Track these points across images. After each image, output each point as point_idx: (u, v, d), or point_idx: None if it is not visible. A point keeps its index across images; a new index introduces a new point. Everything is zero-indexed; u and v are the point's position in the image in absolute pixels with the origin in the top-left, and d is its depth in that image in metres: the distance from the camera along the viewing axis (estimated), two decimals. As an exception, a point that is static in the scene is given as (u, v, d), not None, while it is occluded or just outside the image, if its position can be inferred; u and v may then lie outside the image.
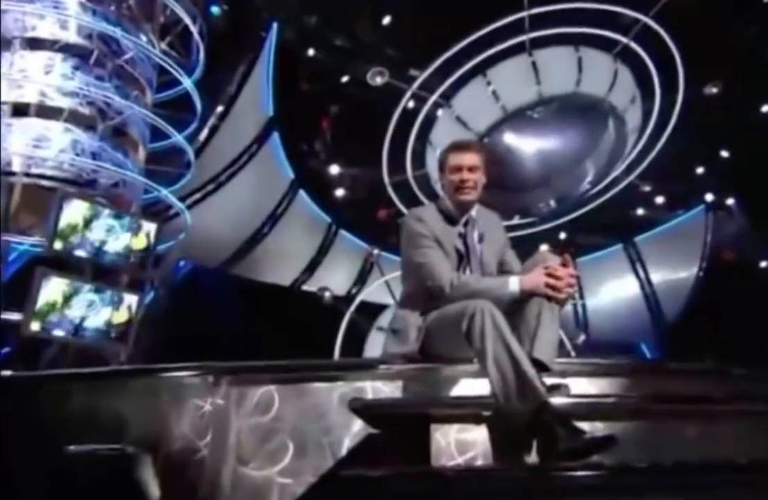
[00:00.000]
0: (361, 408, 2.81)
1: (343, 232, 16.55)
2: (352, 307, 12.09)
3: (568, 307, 19.03)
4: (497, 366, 2.73)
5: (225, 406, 3.09)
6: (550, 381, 3.08)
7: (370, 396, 3.05)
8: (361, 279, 16.51)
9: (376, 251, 12.70)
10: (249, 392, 3.11)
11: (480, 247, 3.34)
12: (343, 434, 2.98)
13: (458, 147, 3.29)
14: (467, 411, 2.81)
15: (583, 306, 18.70)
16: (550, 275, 3.07)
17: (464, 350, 2.94)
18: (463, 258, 3.21)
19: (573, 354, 14.79)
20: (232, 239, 14.01)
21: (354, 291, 16.91)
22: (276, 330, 13.10)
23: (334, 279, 15.92)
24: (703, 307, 16.37)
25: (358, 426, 2.96)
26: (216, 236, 13.16)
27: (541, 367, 2.98)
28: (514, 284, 3.04)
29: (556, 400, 2.83)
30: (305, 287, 16.08)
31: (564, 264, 3.14)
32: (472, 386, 2.98)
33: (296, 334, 12.75)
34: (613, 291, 18.39)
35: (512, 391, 2.67)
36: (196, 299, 11.97)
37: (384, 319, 11.87)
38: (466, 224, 3.35)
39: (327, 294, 11.54)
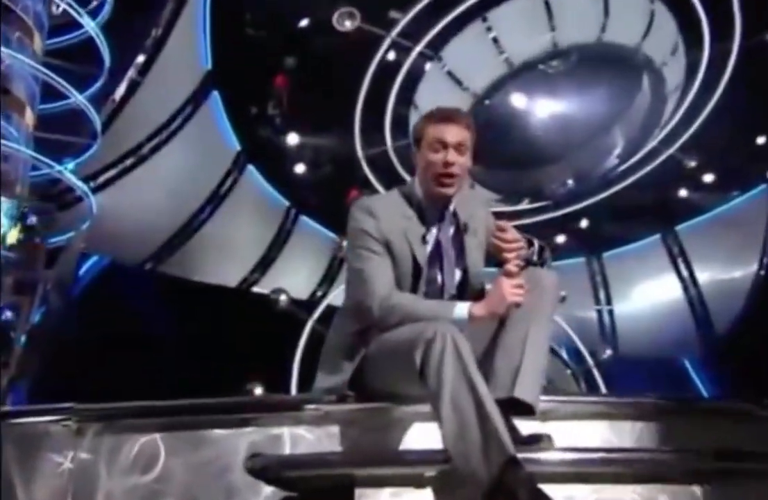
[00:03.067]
0: (259, 469, 2.64)
1: (304, 219, 16.45)
2: (316, 315, 11.95)
3: (592, 314, 19.30)
4: (455, 411, 2.58)
5: (92, 462, 2.93)
6: (529, 427, 2.93)
7: (287, 446, 2.89)
8: (328, 280, 16.40)
9: (345, 244, 12.58)
10: (125, 443, 2.95)
11: (465, 241, 3.17)
12: (250, 497, 2.84)
13: (442, 116, 3.12)
14: (407, 470, 2.66)
15: (610, 312, 18.76)
16: (498, 238, 3.07)
17: (413, 386, 2.79)
18: (420, 273, 3.00)
19: (596, 372, 14.78)
20: (160, 228, 13.86)
21: (319, 294, 16.80)
22: (219, 344, 12.98)
23: (293, 279, 15.78)
24: (763, 315, 16.47)
25: (270, 488, 2.81)
26: (139, 225, 13.00)
27: (525, 410, 2.86)
28: (461, 310, 2.92)
29: (533, 457, 2.67)
30: (257, 289, 15.94)
31: (501, 229, 3.09)
32: (418, 435, 2.82)
33: (245, 348, 12.60)
34: (648, 293, 18.42)
35: (472, 445, 2.51)
36: (114, 306, 11.81)
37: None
38: (440, 220, 3.18)
39: (283, 298, 11.37)
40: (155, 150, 13.06)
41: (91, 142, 10.11)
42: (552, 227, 17.14)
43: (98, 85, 9.86)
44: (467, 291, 3.15)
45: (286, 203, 16.11)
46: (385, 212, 3.04)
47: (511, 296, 2.92)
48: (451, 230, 3.16)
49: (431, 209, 3.13)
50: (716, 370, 16.97)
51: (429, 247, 3.11)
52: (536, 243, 3.12)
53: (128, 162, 12.68)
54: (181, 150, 13.64)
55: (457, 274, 3.16)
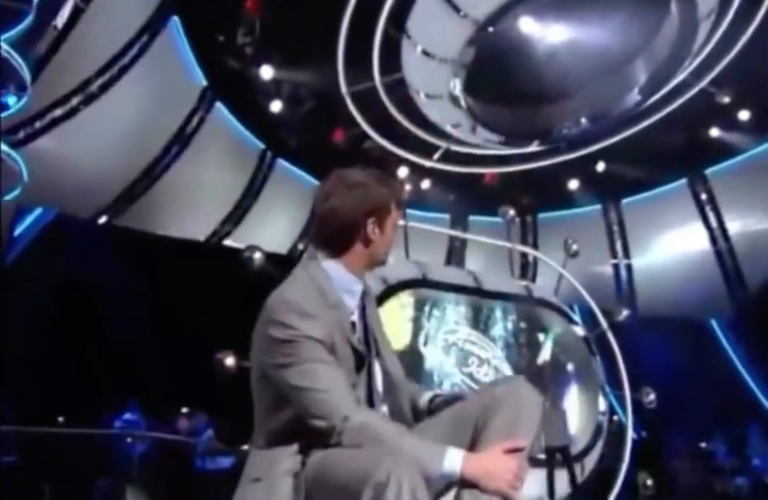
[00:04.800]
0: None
1: (282, 163, 16.31)
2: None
3: (607, 269, 19.35)
4: None
5: None
6: None
7: None
8: (308, 234, 16.39)
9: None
10: None
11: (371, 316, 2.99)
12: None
13: (404, 194, 3.00)
14: None
15: (629, 267, 18.81)
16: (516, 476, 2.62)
17: None
18: (363, 365, 2.84)
19: (611, 335, 14.85)
20: (116, 176, 13.72)
21: (300, 247, 16.79)
22: (186, 306, 13.03)
23: (270, 231, 15.74)
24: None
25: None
26: (90, 172, 12.86)
27: None
28: (453, 461, 2.62)
29: None
30: (229, 243, 15.91)
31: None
32: None
33: (215, 311, 12.66)
34: (671, 246, 18.42)
35: None
36: (63, 267, 11.79)
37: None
38: (362, 298, 2.94)
39: (258, 256, 11.31)
40: (106, 87, 12.81)
41: (20, 94, 9.86)
42: (564, 171, 17.04)
43: (24, 24, 9.55)
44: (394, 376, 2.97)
45: (261, 145, 15.95)
46: (315, 307, 2.80)
47: (516, 481, 2.60)
48: (364, 308, 2.99)
49: (348, 288, 2.92)
50: (747, 333, 17.07)
51: (358, 333, 2.91)
52: None
53: (75, 101, 12.44)
54: (137, 86, 13.38)
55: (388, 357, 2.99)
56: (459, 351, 13.22)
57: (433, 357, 12.71)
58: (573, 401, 13.96)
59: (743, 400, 16.95)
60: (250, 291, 11.82)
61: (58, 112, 12.19)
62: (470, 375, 13.34)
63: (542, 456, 10.41)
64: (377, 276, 12.47)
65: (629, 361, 15.38)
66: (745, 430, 15.77)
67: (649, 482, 13.57)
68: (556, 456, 12.55)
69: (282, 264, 13.11)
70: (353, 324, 2.90)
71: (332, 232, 2.86)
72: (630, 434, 14.17)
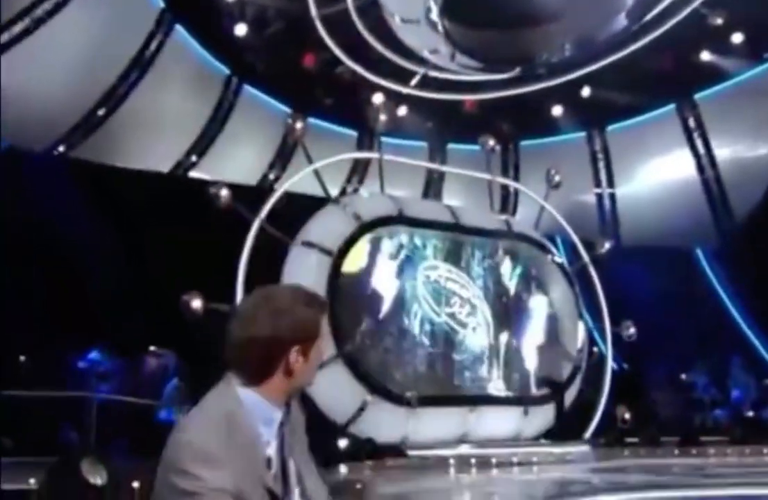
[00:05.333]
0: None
1: (248, 89, 15.96)
2: (266, 210, 11.74)
3: (590, 199, 19.37)
4: None
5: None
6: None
7: None
8: (280, 161, 16.16)
9: (299, 125, 12.19)
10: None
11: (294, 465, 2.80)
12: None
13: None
14: None
15: (612, 196, 18.84)
16: None
17: None
18: None
19: (592, 269, 15.05)
20: (71, 106, 13.35)
21: (271, 177, 16.61)
22: (149, 244, 12.96)
23: (238, 161, 15.52)
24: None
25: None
26: (41, 102, 12.50)
27: None
28: None
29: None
30: (194, 174, 15.72)
31: None
32: None
33: (180, 249, 12.61)
34: (657, 174, 18.47)
35: None
36: (15, 201, 11.58)
37: (315, 228, 11.71)
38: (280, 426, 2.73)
39: (225, 193, 11.13)
40: (53, 11, 12.32)
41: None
42: (548, 97, 16.84)
43: None
44: None
45: (226, 71, 15.55)
46: (224, 449, 2.52)
47: None
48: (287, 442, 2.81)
49: (264, 417, 2.63)
50: (733, 263, 17.31)
51: (273, 470, 2.75)
52: None
53: (20, 26, 11.97)
54: (87, 9, 12.88)
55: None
56: (441, 289, 13.45)
57: (414, 296, 12.93)
58: (547, 335, 14.41)
59: (727, 331, 17.33)
60: (218, 225, 11.75)
61: (3, 38, 11.75)
62: (452, 316, 13.61)
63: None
64: (350, 213, 12.55)
65: (613, 292, 15.65)
66: (726, 361, 16.18)
67: (627, 416, 14.03)
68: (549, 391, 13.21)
69: (252, 197, 13.05)
70: (269, 460, 2.65)
71: (251, 361, 2.58)
72: (609, 365, 14.67)
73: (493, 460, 10.42)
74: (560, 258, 14.51)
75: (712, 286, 18.10)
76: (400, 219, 12.48)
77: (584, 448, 11.84)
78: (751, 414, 14.73)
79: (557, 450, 11.56)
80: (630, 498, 5.99)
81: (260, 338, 2.52)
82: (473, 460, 10.44)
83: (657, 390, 15.70)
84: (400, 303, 12.31)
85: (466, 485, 8.61)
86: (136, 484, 5.75)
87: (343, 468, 8.85)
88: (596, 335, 15.38)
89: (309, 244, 11.62)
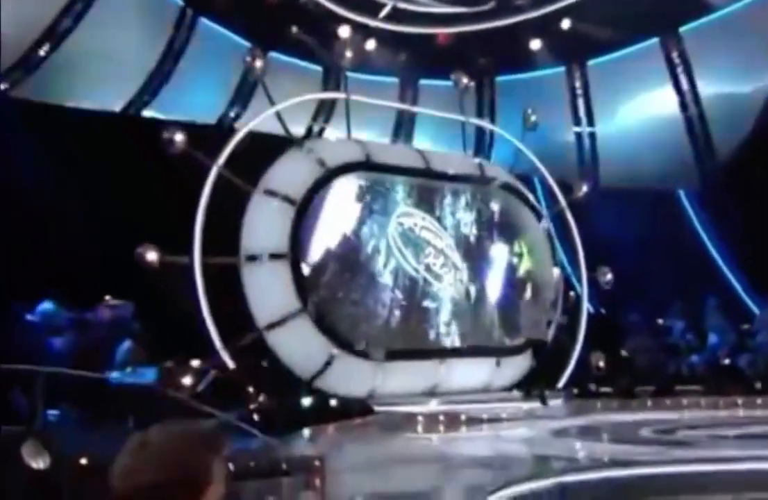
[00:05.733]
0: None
1: (205, 22, 15.47)
2: (224, 155, 11.44)
3: (569, 138, 19.14)
4: None
5: None
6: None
7: None
8: (240, 99, 15.75)
9: (259, 64, 11.78)
10: None
11: None
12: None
13: None
14: None
15: (592, 135, 18.65)
16: None
17: None
18: None
19: (569, 214, 15.02)
20: (10, 42, 12.82)
21: (231, 115, 16.21)
22: (104, 186, 12.68)
23: (195, 99, 15.09)
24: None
25: None
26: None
27: None
28: None
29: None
30: (148, 113, 15.29)
31: None
32: None
33: (133, 196, 12.32)
34: (638, 112, 18.34)
35: None
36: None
37: (276, 175, 11.45)
38: None
39: (180, 138, 10.82)
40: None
41: None
42: (526, 30, 16.49)
43: None
44: None
45: (180, 2, 15.02)
46: None
47: None
48: None
49: None
50: (716, 205, 17.32)
51: None
52: None
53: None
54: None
55: None
56: (416, 238, 13.31)
57: (386, 246, 12.78)
58: (522, 284, 14.40)
59: (708, 275, 17.44)
60: (175, 170, 11.42)
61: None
62: (426, 267, 13.50)
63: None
64: (314, 159, 12.27)
65: (591, 236, 15.69)
66: (705, 306, 16.32)
67: (602, 363, 14.17)
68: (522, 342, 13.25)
69: (211, 137, 12.70)
70: None
71: None
72: (585, 312, 14.74)
73: (462, 417, 10.45)
74: (535, 203, 14.44)
75: (694, 229, 18.13)
76: (367, 164, 12.31)
77: (557, 401, 11.89)
78: (727, 361, 14.84)
79: (528, 405, 11.58)
80: (590, 477, 5.97)
81: (144, 489, 2.31)
82: (441, 417, 10.46)
83: (633, 336, 15.81)
84: (371, 253, 12.26)
85: (424, 452, 8.55)
86: (84, 461, 5.65)
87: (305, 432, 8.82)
88: (574, 281, 15.44)
89: (271, 192, 11.41)
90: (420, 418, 10.50)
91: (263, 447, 7.04)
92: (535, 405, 11.42)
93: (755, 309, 16.72)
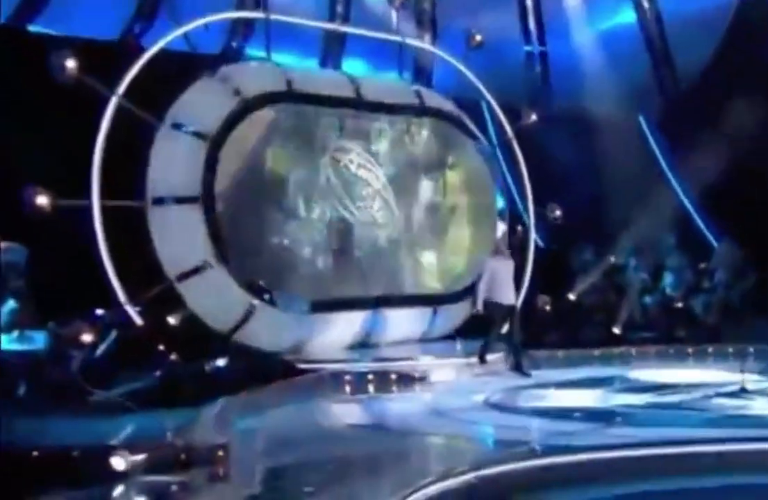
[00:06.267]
0: None
1: None
2: (125, 83, 10.56)
3: (518, 57, 18.41)
4: None
5: None
6: None
7: None
8: (145, 16, 14.68)
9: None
10: None
11: None
12: None
13: None
14: None
15: (543, 55, 18.03)
16: None
17: None
18: None
19: (515, 144, 14.55)
20: None
21: (135, 31, 15.08)
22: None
23: (90, 12, 13.89)
24: (737, 57, 16.06)
25: None
26: None
27: None
28: None
29: None
30: (36, 28, 14.05)
31: None
32: None
33: (23, 122, 11.18)
34: (594, 30, 17.60)
35: None
36: None
37: (186, 107, 10.67)
38: None
39: (71, 65, 9.93)
40: None
41: None
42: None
43: None
44: None
45: None
46: None
47: None
48: None
49: None
50: (677, 129, 16.98)
51: None
52: None
53: None
54: None
55: None
56: (350, 177, 12.65)
57: (316, 186, 12.10)
58: (462, 225, 13.95)
59: (667, 208, 17.11)
60: (69, 99, 10.45)
61: None
62: (362, 210, 12.78)
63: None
64: (229, 88, 11.44)
65: (543, 165, 15.28)
66: (662, 242, 16.09)
67: (548, 307, 13.90)
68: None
69: (111, 57, 11.72)
70: None
71: None
72: (532, 250, 14.35)
73: (393, 376, 10.11)
74: (479, 135, 13.89)
75: (655, 159, 17.82)
76: (290, 94, 11.56)
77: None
78: (680, 305, 14.67)
79: (462, 360, 11.26)
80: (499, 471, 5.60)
81: None
82: (370, 376, 10.11)
83: (583, 274, 15.50)
84: (297, 194, 11.68)
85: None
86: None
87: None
88: (523, 216, 15.05)
89: (179, 126, 10.71)
90: (348, 378, 10.06)
91: (161, 432, 6.58)
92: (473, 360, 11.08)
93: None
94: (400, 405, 8.65)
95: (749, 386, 8.54)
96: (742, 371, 8.65)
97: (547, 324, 13.63)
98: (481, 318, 13.11)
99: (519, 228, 14.75)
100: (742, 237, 15.04)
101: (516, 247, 13.82)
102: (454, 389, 9.69)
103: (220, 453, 5.94)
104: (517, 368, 10.11)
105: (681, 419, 7.43)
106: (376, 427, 7.87)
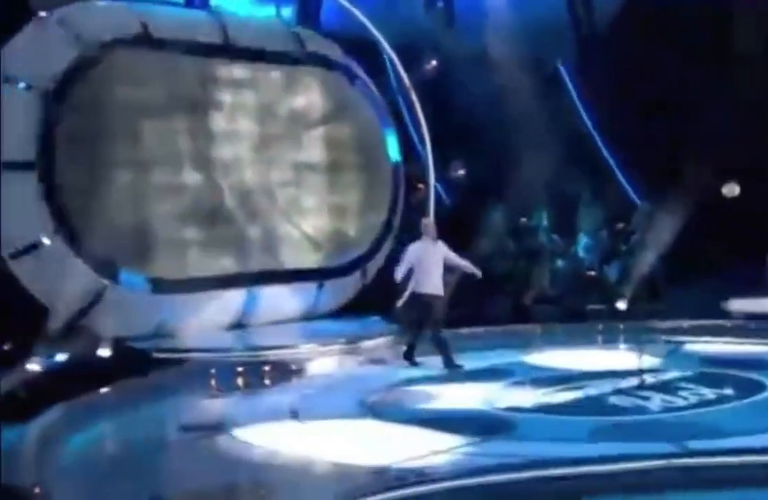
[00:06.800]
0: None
1: None
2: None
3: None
4: None
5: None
6: None
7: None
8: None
9: None
10: None
11: None
12: None
13: None
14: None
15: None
16: None
17: None
18: None
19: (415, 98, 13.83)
20: None
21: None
22: None
23: None
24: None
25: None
26: None
27: None
28: None
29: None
30: None
31: None
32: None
33: None
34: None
35: None
36: None
37: (16, 56, 9.55)
38: None
39: None
40: None
41: None
42: None
43: None
44: None
45: None
46: None
47: None
48: None
49: None
50: (596, 78, 16.28)
51: None
52: None
53: None
54: None
55: None
56: (221, 136, 11.54)
57: (175, 152, 11.10)
58: (347, 187, 13.22)
59: (586, 161, 16.62)
60: None
61: None
62: (237, 172, 11.96)
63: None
64: (70, 33, 10.29)
65: (447, 115, 14.58)
66: (577, 200, 15.56)
67: (453, 281, 13.31)
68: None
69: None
70: None
71: None
72: (432, 202, 13.71)
73: (266, 368, 9.41)
74: (370, 84, 13.07)
75: (573, 107, 17.25)
76: (145, 40, 10.53)
77: (380, 340, 10.92)
78: (593, 273, 14.20)
79: (347, 346, 10.61)
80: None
81: None
82: (240, 368, 9.39)
83: (492, 239, 14.89)
84: (158, 157, 10.77)
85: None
86: None
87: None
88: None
89: (10, 80, 9.70)
90: (213, 371, 9.26)
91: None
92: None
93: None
94: (263, 408, 7.91)
95: (648, 379, 8.12)
96: (641, 370, 8.18)
97: (448, 296, 13.05)
98: (373, 293, 12.67)
99: (420, 186, 14.12)
100: (665, 194, 14.55)
101: (416, 207, 13.30)
102: (332, 385, 8.97)
103: (36, 490, 5.36)
104: (447, 364, 9.29)
105: (567, 429, 6.89)
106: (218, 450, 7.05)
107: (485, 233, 14.76)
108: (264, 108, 11.93)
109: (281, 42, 12.11)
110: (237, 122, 11.61)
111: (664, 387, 7.96)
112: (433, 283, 9.54)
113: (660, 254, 13.87)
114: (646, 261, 13.91)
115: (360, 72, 13.07)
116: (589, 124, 16.92)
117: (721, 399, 7.51)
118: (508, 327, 11.91)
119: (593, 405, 7.52)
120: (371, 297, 12.55)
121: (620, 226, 15.26)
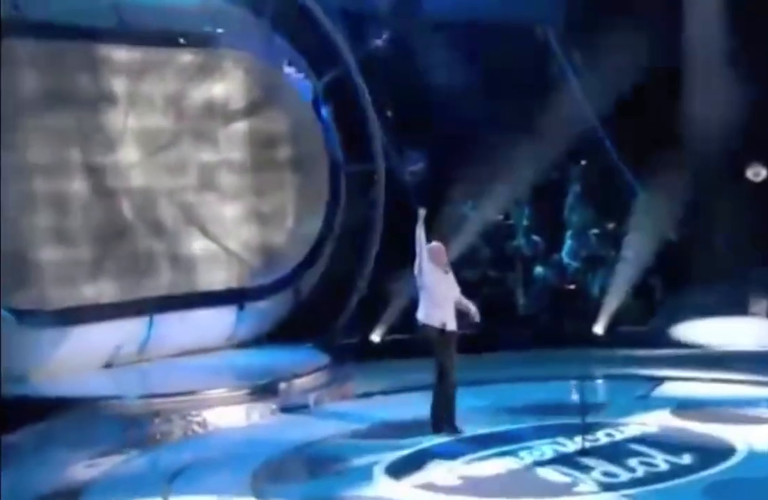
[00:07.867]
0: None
1: None
2: None
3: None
4: None
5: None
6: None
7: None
8: None
9: None
10: None
11: None
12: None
13: None
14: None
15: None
16: None
17: None
18: None
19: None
20: None
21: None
22: None
23: None
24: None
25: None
26: None
27: None
28: None
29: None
30: None
31: None
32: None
33: None
34: None
35: None
36: None
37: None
38: None
39: None
40: None
41: None
42: None
43: None
44: None
45: None
46: None
47: None
48: None
49: None
50: (587, 45, 15.67)
51: None
52: None
53: None
54: None
55: None
56: (118, 132, 11.13)
57: (76, 145, 10.75)
58: (280, 190, 12.90)
59: (577, 139, 16.26)
60: None
61: None
62: (140, 173, 11.53)
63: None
64: None
65: (411, 93, 14.24)
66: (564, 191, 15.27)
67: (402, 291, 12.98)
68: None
69: None
70: None
71: None
72: (382, 197, 13.35)
73: (156, 421, 8.99)
74: (302, 67, 12.69)
75: (562, 75, 16.92)
76: (18, 23, 10.08)
77: (308, 378, 10.49)
78: (572, 287, 13.82)
79: (265, 387, 10.20)
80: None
81: None
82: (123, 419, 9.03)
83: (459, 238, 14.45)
84: (39, 156, 10.38)
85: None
86: None
87: None
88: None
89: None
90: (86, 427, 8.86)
91: None
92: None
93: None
94: (134, 477, 7.40)
95: (600, 437, 7.67)
96: (583, 432, 7.58)
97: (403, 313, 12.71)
98: (307, 315, 12.34)
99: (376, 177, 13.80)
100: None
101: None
102: (225, 447, 8.42)
103: None
104: (448, 423, 8.59)
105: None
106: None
107: (450, 235, 14.41)
108: (170, 100, 11.58)
109: (192, 20, 11.68)
110: (136, 117, 11.22)
111: (613, 452, 7.33)
112: (447, 317, 8.67)
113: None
114: (638, 270, 13.63)
115: (293, 53, 12.65)
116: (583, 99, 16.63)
117: (670, 473, 6.76)
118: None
119: (520, 484, 6.82)
120: (304, 320, 12.29)
121: (611, 225, 14.95)
